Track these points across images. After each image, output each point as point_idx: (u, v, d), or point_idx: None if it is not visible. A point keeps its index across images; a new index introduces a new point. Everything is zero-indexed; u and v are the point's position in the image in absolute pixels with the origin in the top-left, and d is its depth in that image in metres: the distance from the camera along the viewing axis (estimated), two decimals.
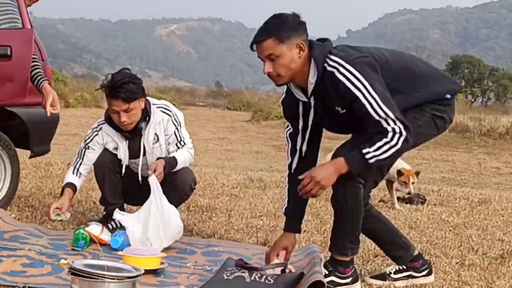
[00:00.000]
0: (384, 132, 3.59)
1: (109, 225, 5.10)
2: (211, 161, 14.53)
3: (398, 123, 3.59)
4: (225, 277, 3.72)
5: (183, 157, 4.99)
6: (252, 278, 3.67)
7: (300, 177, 3.75)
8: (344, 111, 3.71)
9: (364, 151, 3.61)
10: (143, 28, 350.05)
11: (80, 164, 5.11)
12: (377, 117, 3.58)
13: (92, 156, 5.11)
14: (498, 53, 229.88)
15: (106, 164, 5.10)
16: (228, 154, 17.96)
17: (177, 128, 5.07)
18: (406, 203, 7.18)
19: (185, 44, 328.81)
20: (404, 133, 3.59)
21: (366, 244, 4.93)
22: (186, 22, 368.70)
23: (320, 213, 6.24)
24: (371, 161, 3.60)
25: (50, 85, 5.11)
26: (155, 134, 5.06)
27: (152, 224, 4.52)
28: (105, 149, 5.12)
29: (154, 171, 4.71)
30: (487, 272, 4.43)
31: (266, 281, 3.64)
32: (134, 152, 5.12)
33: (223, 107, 43.22)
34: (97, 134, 5.12)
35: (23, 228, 4.81)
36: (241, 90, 56.82)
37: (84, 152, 5.13)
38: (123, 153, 5.11)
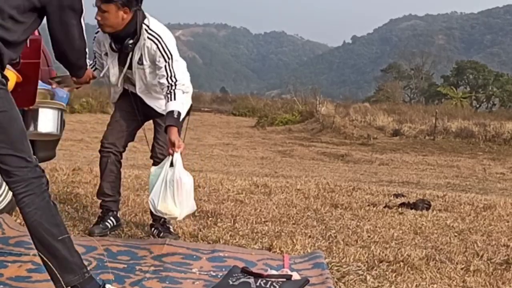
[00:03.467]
0: None
1: (107, 223, 5.13)
2: (216, 167, 14.55)
3: None
4: (231, 282, 3.73)
5: (180, 103, 4.97)
6: (258, 284, 3.67)
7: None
8: None
9: None
10: None
11: (95, 64, 5.30)
12: None
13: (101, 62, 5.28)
14: (503, 58, 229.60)
15: (111, 150, 5.19)
16: (233, 160, 18.00)
17: (167, 62, 4.99)
18: (411, 208, 7.18)
19: (190, 50, 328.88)
20: None
21: (371, 249, 4.94)
22: (191, 27, 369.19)
23: (325, 219, 6.24)
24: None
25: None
26: (141, 55, 5.03)
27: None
28: (113, 123, 5.26)
29: (174, 147, 4.76)
30: (492, 278, 4.42)
31: (272, 287, 3.64)
32: (122, 62, 5.15)
33: (228, 112, 43.29)
34: (97, 32, 5.17)
35: (27, 234, 4.80)
36: (246, 96, 56.91)
37: (95, 56, 5.30)
38: (110, 60, 5.17)
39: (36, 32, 5.36)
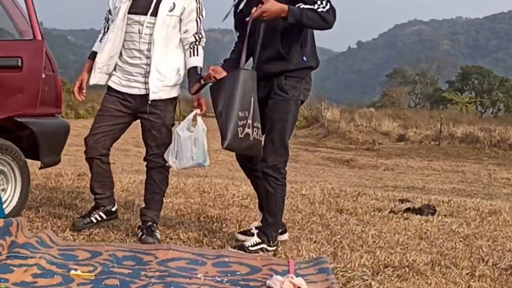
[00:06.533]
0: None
1: (92, 218, 5.15)
2: (222, 172, 14.53)
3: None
4: None
5: (202, 59, 5.01)
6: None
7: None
8: None
9: (302, 6, 4.50)
10: None
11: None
12: None
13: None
14: (508, 64, 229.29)
15: (95, 152, 5.14)
16: (238, 165, 17.99)
17: (199, 18, 4.98)
18: (417, 214, 7.16)
19: None
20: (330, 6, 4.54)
21: (376, 254, 4.93)
22: None
23: (330, 224, 6.23)
24: (304, 17, 4.47)
25: (60, 97, 5.15)
26: (173, 2, 4.87)
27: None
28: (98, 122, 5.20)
29: (199, 107, 5.00)
30: (498, 283, 4.41)
31: None
32: (141, 8, 4.92)
33: None
34: None
35: (36, 235, 4.79)
36: None
37: (107, 26, 5.16)
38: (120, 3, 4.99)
39: (39, 36, 5.38)
